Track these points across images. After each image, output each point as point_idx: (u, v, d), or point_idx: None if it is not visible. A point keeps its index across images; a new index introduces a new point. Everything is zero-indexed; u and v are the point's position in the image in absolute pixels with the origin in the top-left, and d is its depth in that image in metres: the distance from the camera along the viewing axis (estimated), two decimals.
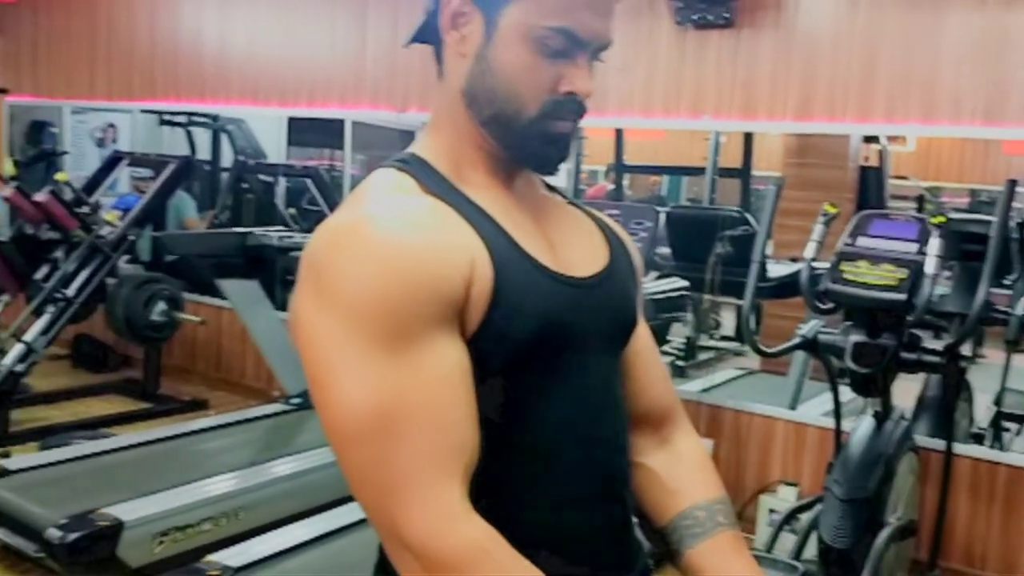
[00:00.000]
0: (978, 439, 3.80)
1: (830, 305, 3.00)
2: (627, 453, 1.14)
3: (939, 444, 3.36)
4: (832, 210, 3.16)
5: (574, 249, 1.09)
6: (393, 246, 0.92)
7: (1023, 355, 3.81)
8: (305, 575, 2.93)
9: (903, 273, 2.83)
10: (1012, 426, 4.07)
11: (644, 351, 1.20)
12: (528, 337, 0.97)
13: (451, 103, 1.04)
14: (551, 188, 1.17)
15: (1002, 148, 5.73)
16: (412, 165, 1.03)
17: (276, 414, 4.49)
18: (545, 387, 1.01)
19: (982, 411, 4.02)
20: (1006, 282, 3.45)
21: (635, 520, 1.16)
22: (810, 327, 3.07)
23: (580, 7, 0.98)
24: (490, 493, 0.94)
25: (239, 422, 4.42)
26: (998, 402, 4.05)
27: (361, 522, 3.01)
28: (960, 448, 3.47)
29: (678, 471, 1.19)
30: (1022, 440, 4.06)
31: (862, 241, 3.01)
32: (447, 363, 0.92)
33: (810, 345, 3.06)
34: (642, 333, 1.20)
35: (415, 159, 1.04)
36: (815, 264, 3.09)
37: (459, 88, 1.03)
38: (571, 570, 1.03)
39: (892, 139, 5.30)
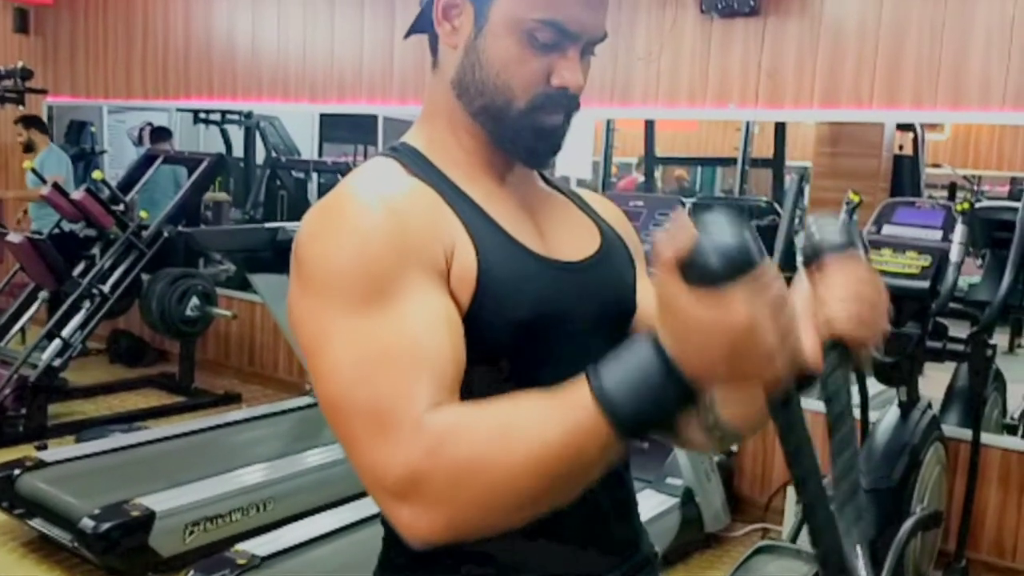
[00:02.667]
0: (1011, 430, 3.73)
1: None
2: None
3: (967, 434, 3.32)
4: (855, 198, 3.11)
5: (564, 234, 1.09)
6: (366, 213, 0.92)
7: None
8: (331, 564, 2.97)
9: (926, 260, 2.80)
10: None
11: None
12: (519, 321, 0.97)
13: (444, 94, 1.06)
14: (546, 180, 1.17)
15: None
16: (401, 152, 1.05)
17: (306, 407, 4.55)
18: (537, 371, 0.99)
19: (1016, 401, 3.95)
20: None
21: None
22: None
23: (570, 0, 0.98)
24: None
25: (270, 415, 4.50)
26: None
27: None
28: (988, 438, 3.42)
29: None
30: None
31: (887, 229, 2.98)
32: (427, 310, 0.89)
33: None
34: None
35: (405, 147, 1.06)
36: None
37: (450, 79, 1.04)
38: (566, 554, 1.04)
39: (928, 127, 5.22)
